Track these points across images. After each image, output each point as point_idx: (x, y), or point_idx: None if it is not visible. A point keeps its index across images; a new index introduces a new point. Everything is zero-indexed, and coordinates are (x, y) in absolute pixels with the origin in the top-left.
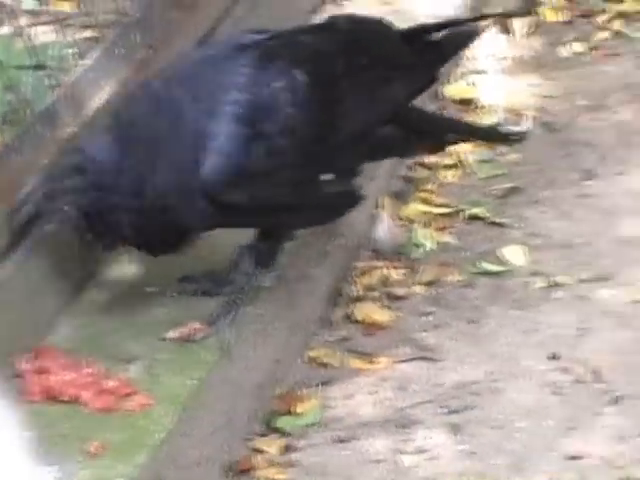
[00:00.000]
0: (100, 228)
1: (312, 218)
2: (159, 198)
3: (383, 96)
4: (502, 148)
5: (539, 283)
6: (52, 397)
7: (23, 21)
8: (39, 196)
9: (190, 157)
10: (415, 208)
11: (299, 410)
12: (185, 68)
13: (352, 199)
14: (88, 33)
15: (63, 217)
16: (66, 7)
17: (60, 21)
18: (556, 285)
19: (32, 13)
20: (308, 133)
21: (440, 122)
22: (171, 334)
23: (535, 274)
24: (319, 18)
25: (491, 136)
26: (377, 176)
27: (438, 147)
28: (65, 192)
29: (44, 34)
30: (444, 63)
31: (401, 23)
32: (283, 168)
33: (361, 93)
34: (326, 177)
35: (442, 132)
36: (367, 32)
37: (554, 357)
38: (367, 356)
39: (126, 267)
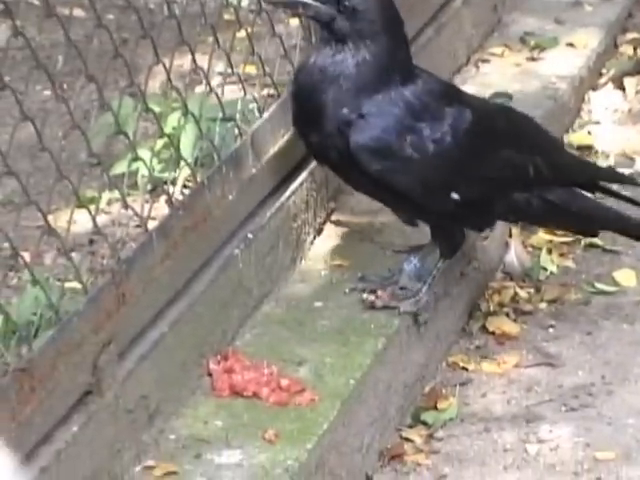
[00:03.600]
0: None
1: (441, 223)
2: None
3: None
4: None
5: None
6: (236, 393)
7: (215, 81)
8: None
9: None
10: (540, 237)
11: (441, 406)
12: None
13: (480, 224)
14: (267, 91)
15: None
16: (251, 69)
17: (245, 81)
18: None
19: (222, 74)
20: (452, 154)
21: (594, 213)
22: (365, 296)
23: None
24: (460, 78)
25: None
26: None
27: (587, 232)
28: None
29: (232, 92)
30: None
31: (533, 81)
32: (420, 165)
33: (509, 152)
34: (455, 196)
35: (592, 222)
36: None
37: None
38: (498, 362)
39: (298, 285)
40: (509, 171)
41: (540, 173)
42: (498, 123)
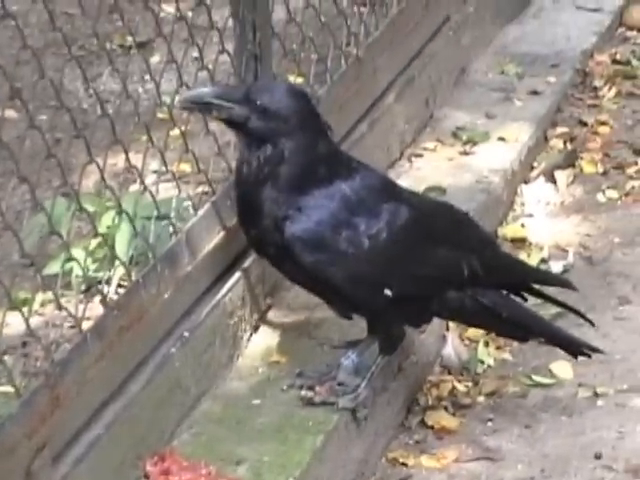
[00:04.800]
0: None
1: (375, 318)
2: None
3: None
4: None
5: (584, 393)
6: None
7: (150, 180)
8: None
9: (285, 215)
10: (477, 330)
11: None
12: None
13: (413, 320)
14: (202, 188)
15: None
16: (186, 167)
17: (179, 179)
18: (598, 395)
19: (157, 173)
20: (386, 251)
21: (526, 321)
22: (303, 393)
23: (580, 385)
24: (394, 173)
25: (571, 349)
26: None
27: (518, 338)
28: None
29: (166, 190)
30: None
31: (466, 175)
32: (352, 261)
33: (444, 251)
34: (387, 292)
35: (523, 329)
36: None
37: (598, 457)
38: (438, 456)
39: (235, 382)
40: (443, 270)
41: (474, 273)
42: (435, 221)
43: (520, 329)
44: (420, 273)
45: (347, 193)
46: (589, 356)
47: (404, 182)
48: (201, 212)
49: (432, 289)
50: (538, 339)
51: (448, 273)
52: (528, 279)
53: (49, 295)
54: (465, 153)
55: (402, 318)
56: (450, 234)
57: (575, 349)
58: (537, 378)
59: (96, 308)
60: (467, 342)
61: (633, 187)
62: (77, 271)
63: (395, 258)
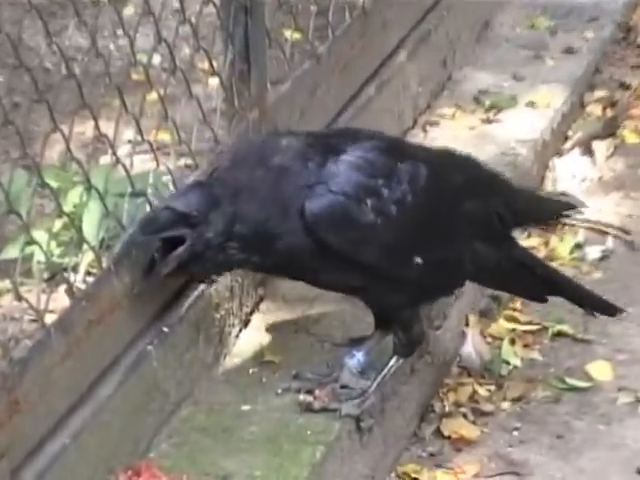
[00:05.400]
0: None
1: (402, 294)
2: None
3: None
4: (585, 266)
5: (625, 398)
6: None
7: (123, 151)
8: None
9: (299, 192)
10: (501, 325)
11: None
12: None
13: (444, 289)
14: (183, 161)
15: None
16: (165, 136)
17: (157, 150)
18: None
19: (131, 143)
20: (414, 214)
21: (552, 276)
22: (300, 397)
23: (621, 389)
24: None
25: (594, 305)
26: (464, 293)
27: (537, 298)
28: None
29: (142, 163)
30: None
31: (489, 146)
32: (382, 231)
33: (470, 203)
34: (418, 260)
35: (549, 284)
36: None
37: None
38: (456, 471)
39: (222, 386)
40: (473, 223)
41: (504, 218)
42: (453, 172)
43: (551, 287)
44: (450, 232)
45: (356, 161)
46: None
47: None
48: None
49: (464, 247)
50: (567, 298)
51: (478, 225)
52: (558, 210)
53: (6, 284)
54: (488, 121)
55: (433, 289)
56: (471, 184)
57: (606, 310)
58: (571, 381)
59: (61, 299)
60: (490, 339)
61: None
62: (39, 256)
63: (424, 221)
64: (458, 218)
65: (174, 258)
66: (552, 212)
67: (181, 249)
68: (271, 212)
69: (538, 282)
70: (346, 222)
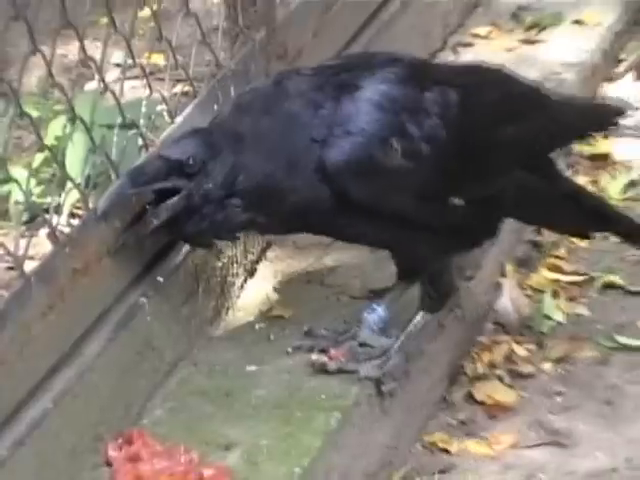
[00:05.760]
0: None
1: (435, 243)
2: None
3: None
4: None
5: None
6: None
7: (112, 76)
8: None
9: (312, 141)
10: (543, 276)
11: None
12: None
13: (485, 231)
14: (180, 87)
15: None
16: (159, 59)
17: (150, 75)
18: None
19: (121, 66)
20: (448, 149)
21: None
22: (313, 357)
23: None
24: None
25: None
26: (500, 240)
27: (581, 234)
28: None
29: (134, 90)
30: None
31: (531, 70)
32: (414, 174)
33: (505, 128)
34: (456, 201)
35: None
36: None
37: None
38: (490, 441)
39: (224, 344)
40: (513, 150)
41: (543, 141)
42: (488, 94)
43: (599, 220)
44: (491, 164)
45: (374, 97)
46: None
47: None
48: (180, 119)
49: (505, 179)
50: (613, 231)
51: (520, 151)
52: (609, 118)
53: None
54: (529, 41)
55: (472, 234)
56: (508, 103)
57: None
58: (622, 339)
59: (42, 244)
60: (529, 292)
61: None
62: (17, 196)
63: (459, 156)
64: (497, 146)
65: (166, 209)
66: (601, 121)
67: (175, 199)
68: (280, 163)
69: (585, 214)
70: (372, 168)
